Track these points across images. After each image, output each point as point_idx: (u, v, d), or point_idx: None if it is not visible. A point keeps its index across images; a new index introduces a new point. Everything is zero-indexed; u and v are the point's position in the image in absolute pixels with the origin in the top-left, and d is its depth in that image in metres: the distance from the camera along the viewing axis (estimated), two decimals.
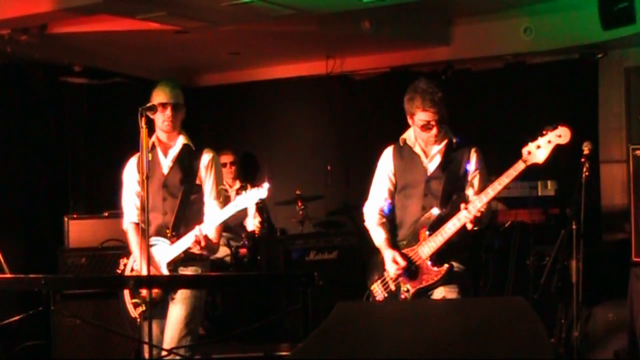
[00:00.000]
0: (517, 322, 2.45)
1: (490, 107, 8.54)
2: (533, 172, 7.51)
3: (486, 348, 2.31)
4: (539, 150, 4.64)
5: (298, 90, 9.55)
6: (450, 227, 4.80)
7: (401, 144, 5.14)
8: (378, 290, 5.09)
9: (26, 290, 5.81)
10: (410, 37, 8.34)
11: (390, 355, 2.33)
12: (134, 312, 5.16)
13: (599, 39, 7.43)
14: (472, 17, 8.19)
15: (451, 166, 4.99)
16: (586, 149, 5.47)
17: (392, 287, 5.02)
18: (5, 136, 7.99)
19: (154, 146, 5.26)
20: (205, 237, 5.01)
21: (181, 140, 5.28)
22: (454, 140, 5.01)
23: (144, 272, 4.92)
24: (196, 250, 5.05)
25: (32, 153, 8.26)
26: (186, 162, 5.26)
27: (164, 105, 5.15)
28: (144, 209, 4.94)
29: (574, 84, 8.24)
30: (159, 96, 5.18)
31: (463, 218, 4.75)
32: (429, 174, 5.01)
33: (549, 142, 4.63)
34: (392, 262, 4.94)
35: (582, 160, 5.46)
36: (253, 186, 5.02)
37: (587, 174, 5.44)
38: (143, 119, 4.85)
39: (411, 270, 4.93)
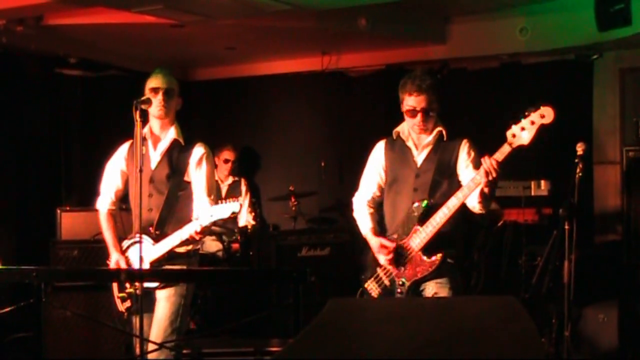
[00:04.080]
0: (508, 321, 2.45)
1: (486, 106, 8.55)
2: (527, 172, 7.57)
3: (478, 346, 2.31)
4: (523, 132, 4.61)
5: (293, 86, 9.54)
6: (441, 216, 4.81)
7: (394, 137, 5.16)
8: (372, 288, 5.09)
9: (17, 282, 5.80)
10: (407, 35, 8.34)
11: (382, 353, 2.33)
12: (121, 306, 5.15)
13: (595, 40, 7.44)
14: (468, 16, 8.19)
15: (441, 156, 5.00)
16: (580, 149, 5.51)
17: (387, 282, 5.03)
18: None
19: (145, 138, 5.15)
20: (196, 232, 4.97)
21: (172, 134, 5.20)
22: (444, 132, 5.02)
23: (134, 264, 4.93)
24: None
25: (25, 144, 8.24)
26: (175, 158, 5.18)
27: (155, 90, 5.09)
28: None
29: (569, 85, 8.24)
30: (152, 82, 5.14)
31: (452, 207, 4.77)
32: (418, 166, 5.03)
33: (533, 123, 4.61)
34: (380, 248, 4.95)
35: (576, 160, 5.50)
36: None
37: (580, 174, 5.47)
38: (137, 112, 4.81)
39: (402, 258, 4.93)
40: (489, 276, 7.38)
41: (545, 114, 4.62)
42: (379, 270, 5.06)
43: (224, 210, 4.85)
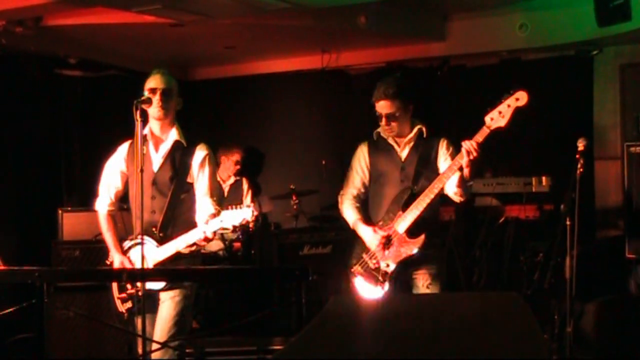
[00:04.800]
0: (511, 317, 2.45)
1: (485, 103, 8.52)
2: (527, 168, 7.56)
3: (480, 343, 2.31)
4: (500, 115, 4.98)
5: (293, 84, 9.53)
6: (425, 200, 5.10)
7: (375, 138, 5.51)
8: (359, 269, 5.33)
9: (19, 283, 5.80)
10: (406, 32, 8.34)
11: (383, 350, 2.33)
12: (121, 307, 5.14)
13: (595, 35, 7.43)
14: (467, 13, 8.18)
15: (422, 152, 5.35)
16: (581, 145, 5.53)
17: (372, 265, 5.25)
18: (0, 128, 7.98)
19: (145, 139, 5.09)
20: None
21: (173, 135, 5.15)
22: (424, 130, 5.38)
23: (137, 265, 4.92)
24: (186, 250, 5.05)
25: (26, 145, 8.24)
26: (177, 160, 5.13)
27: (153, 90, 5.04)
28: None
29: (569, 81, 8.24)
30: (150, 82, 5.09)
31: (435, 189, 5.07)
32: (403, 160, 5.37)
33: (509, 106, 4.97)
34: (373, 235, 5.23)
35: (577, 156, 5.51)
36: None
37: (581, 170, 5.49)
38: (138, 111, 4.80)
39: (390, 245, 5.19)
40: (491, 273, 7.38)
41: (519, 97, 4.97)
42: (364, 255, 5.30)
43: (235, 216, 4.82)
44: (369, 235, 5.26)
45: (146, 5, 6.68)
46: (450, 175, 5.03)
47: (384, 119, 5.33)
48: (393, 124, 5.31)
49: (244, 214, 4.81)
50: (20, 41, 7.58)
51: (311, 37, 8.44)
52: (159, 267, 5.00)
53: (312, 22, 7.68)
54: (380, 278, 5.20)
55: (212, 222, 4.85)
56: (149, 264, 4.96)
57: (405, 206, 5.18)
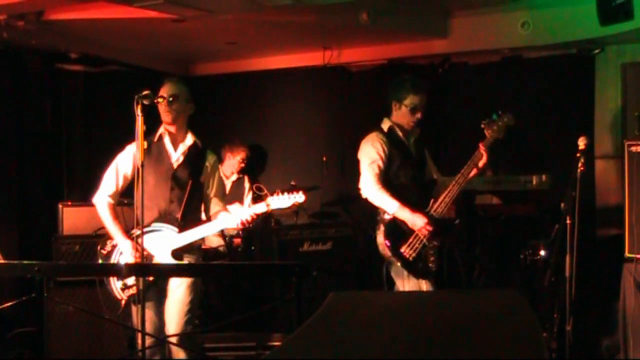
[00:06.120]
0: (510, 315, 2.45)
1: (487, 101, 8.53)
2: (528, 166, 7.56)
3: (480, 340, 2.31)
4: (497, 131, 5.73)
5: (295, 81, 9.52)
6: (452, 192, 5.58)
7: (386, 131, 5.77)
8: (408, 252, 5.59)
9: (19, 277, 5.81)
10: (408, 29, 8.33)
11: (382, 347, 2.33)
12: (121, 294, 5.21)
13: (597, 34, 7.41)
14: (470, 10, 8.17)
15: (421, 150, 5.88)
16: (582, 143, 5.56)
17: (419, 245, 5.58)
18: (1, 123, 7.97)
19: (161, 136, 5.47)
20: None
21: (190, 137, 5.51)
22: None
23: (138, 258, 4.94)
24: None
25: (27, 140, 8.23)
26: (194, 160, 5.48)
27: (162, 97, 5.33)
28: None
29: (570, 79, 8.23)
30: (160, 91, 5.40)
31: (460, 185, 5.57)
32: (415, 157, 5.79)
33: (502, 124, 5.78)
34: (426, 226, 5.51)
35: (578, 155, 5.53)
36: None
37: (582, 168, 5.51)
38: (139, 106, 4.89)
39: (440, 227, 5.60)
40: (491, 270, 7.39)
41: (509, 118, 5.81)
42: (411, 238, 5.58)
43: (285, 200, 5.28)
44: (421, 220, 5.50)
45: (148, 0, 6.68)
46: (470, 171, 5.58)
47: (419, 113, 5.66)
48: (421, 118, 5.69)
49: (296, 197, 5.31)
50: (22, 35, 7.57)
51: (313, 33, 8.44)
52: (158, 263, 5.10)
53: (314, 18, 7.68)
54: (431, 258, 5.57)
55: (258, 206, 5.32)
56: (168, 249, 5.23)
57: (435, 196, 5.63)
